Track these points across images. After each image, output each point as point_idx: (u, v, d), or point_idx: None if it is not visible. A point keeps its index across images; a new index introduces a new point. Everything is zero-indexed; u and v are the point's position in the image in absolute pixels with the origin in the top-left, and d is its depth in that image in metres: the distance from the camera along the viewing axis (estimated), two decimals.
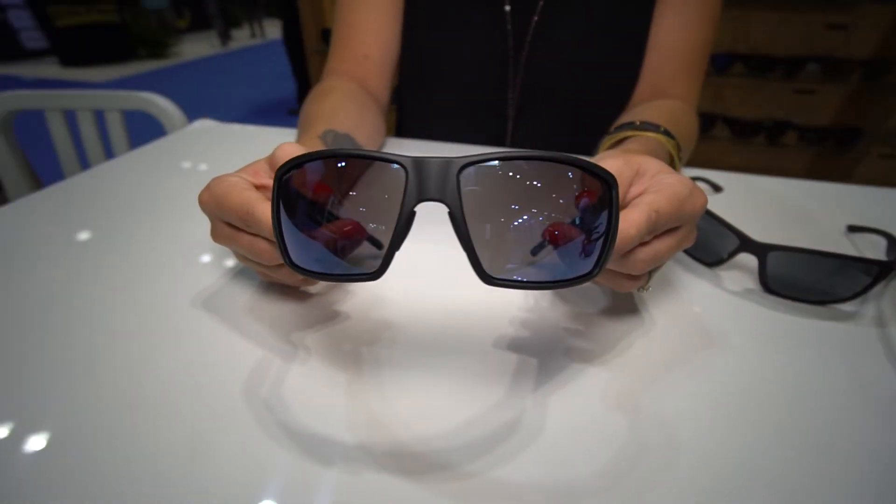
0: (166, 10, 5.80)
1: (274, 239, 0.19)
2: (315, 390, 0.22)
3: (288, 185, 0.18)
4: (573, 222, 0.17)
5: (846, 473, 0.19)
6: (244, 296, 0.29)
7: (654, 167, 0.25)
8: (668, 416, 0.22)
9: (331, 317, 0.27)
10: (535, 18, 0.49)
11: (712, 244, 0.33)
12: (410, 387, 0.23)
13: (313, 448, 0.20)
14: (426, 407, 0.22)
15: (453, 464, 0.19)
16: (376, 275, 0.17)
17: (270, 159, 0.27)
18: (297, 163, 0.18)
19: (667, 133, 0.38)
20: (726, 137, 1.62)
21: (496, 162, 0.16)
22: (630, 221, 0.21)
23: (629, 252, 0.22)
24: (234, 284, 0.30)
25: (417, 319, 0.27)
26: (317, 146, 0.37)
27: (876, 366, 0.25)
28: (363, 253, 0.18)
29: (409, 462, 0.19)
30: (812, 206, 0.44)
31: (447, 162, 0.16)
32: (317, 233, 0.18)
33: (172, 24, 5.99)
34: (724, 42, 1.46)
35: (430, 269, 0.32)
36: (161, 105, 0.73)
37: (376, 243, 0.17)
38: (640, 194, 0.24)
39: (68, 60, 4.99)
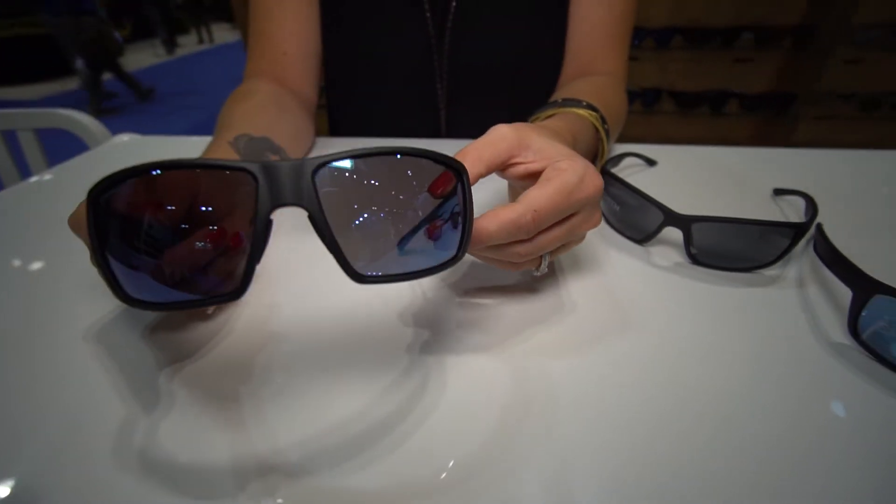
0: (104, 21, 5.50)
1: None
2: (193, 428, 0.21)
3: (109, 206, 0.15)
4: (432, 211, 0.17)
5: (746, 438, 0.19)
6: (147, 319, 0.26)
7: (539, 142, 0.24)
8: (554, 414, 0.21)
9: (227, 334, 0.25)
10: (454, 4, 0.47)
11: (641, 220, 0.33)
12: (293, 400, 0.21)
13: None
14: (303, 415, 0.20)
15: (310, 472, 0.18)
16: (238, 293, 0.15)
17: None
18: (114, 180, 0.15)
19: (590, 107, 0.37)
20: (672, 111, 1.65)
21: (348, 160, 0.15)
22: (497, 220, 0.20)
23: (505, 245, 0.21)
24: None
25: (314, 327, 0.26)
26: (227, 153, 0.35)
27: (793, 326, 0.26)
28: (221, 270, 0.16)
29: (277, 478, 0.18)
30: (743, 173, 0.45)
31: (299, 164, 0.15)
32: (158, 258, 0.16)
33: None
34: (662, 17, 1.49)
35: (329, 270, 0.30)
36: (82, 122, 0.67)
37: (232, 258, 0.15)
38: (525, 167, 0.23)
39: None
